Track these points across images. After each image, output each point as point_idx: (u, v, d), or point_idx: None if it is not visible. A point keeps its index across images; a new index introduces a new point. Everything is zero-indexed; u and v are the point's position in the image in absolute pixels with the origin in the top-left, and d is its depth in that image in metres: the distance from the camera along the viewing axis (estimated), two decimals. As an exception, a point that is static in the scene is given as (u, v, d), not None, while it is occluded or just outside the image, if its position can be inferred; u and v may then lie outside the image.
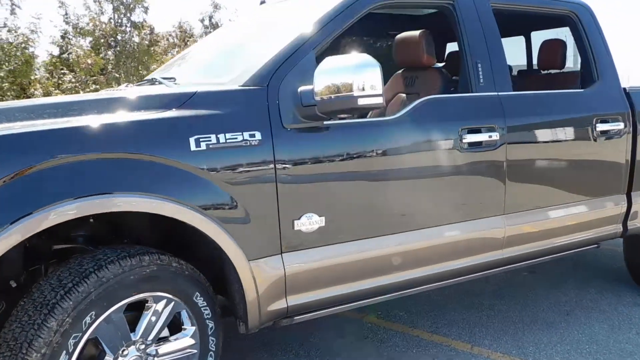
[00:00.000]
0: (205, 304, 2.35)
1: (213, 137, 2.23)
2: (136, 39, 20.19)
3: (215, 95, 2.39)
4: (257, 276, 2.37)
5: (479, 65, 3.02)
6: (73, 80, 17.25)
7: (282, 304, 2.48)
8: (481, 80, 3.01)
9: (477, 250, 3.03)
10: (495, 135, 2.94)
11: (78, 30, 18.58)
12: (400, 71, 3.57)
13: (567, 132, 3.30)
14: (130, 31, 19.59)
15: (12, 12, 16.45)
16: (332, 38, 2.65)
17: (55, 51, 20.19)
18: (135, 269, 2.09)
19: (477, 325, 3.64)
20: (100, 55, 18.34)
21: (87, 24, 18.71)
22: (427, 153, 2.78)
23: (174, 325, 2.30)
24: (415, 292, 2.95)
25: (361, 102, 2.30)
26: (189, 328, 2.32)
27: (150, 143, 2.13)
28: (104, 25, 18.40)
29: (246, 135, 2.30)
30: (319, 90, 2.34)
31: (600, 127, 3.40)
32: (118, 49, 19.37)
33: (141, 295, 2.15)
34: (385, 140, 2.66)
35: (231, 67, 2.74)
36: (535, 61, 4.38)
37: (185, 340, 2.31)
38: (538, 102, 3.26)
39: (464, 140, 2.85)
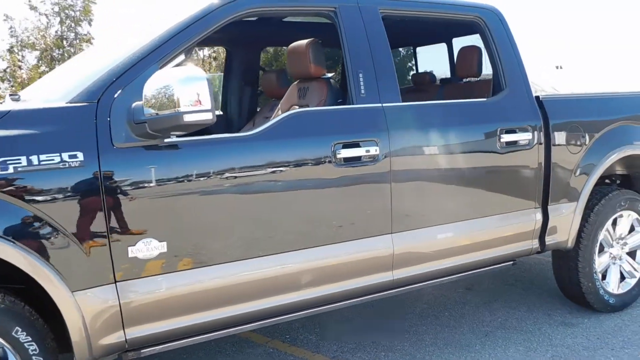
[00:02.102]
0: (30, 339, 2.17)
1: (23, 159, 2.06)
2: (80, 52, 20.06)
3: (33, 113, 2.22)
4: (84, 308, 2.19)
5: (361, 75, 2.83)
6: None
7: (120, 337, 2.30)
8: (362, 92, 2.82)
9: (362, 272, 2.84)
10: (375, 150, 2.75)
11: (23, 44, 18.56)
12: (295, 82, 3.39)
13: (466, 144, 3.10)
14: (75, 43, 19.42)
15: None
16: (182, 50, 2.47)
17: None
18: None
19: (385, 349, 3.43)
20: (45, 68, 18.19)
21: (28, 37, 18.67)
22: (293, 170, 2.58)
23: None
24: (291, 318, 2.76)
25: (188, 118, 2.12)
26: (16, 367, 2.14)
27: None
28: (47, 39, 18.36)
29: (65, 156, 2.12)
30: (149, 106, 2.16)
31: (506, 138, 3.19)
32: (62, 63, 19.23)
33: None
34: (243, 158, 2.48)
35: (70, 84, 2.56)
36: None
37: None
38: (431, 113, 3.07)
39: (338, 156, 2.66)
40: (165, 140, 2.30)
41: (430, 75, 4.50)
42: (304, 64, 3.09)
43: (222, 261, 2.46)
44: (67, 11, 19.20)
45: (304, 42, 3.08)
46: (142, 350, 2.40)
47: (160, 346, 2.45)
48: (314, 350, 3.45)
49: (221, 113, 4.40)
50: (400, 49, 5.19)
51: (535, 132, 3.30)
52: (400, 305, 4.11)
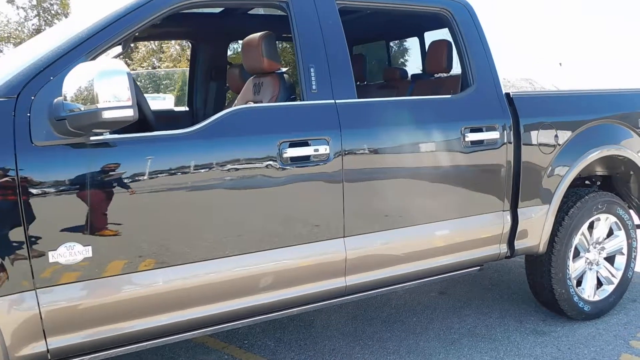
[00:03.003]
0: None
1: None
2: None
3: None
4: (0, 317, 2.05)
5: (312, 70, 2.68)
6: None
7: (41, 347, 2.15)
8: (313, 87, 2.67)
9: (311, 278, 2.69)
10: (325, 149, 2.59)
11: (0, 38, 18.50)
12: (252, 77, 3.23)
13: (427, 143, 2.94)
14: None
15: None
16: (113, 42, 2.32)
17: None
18: None
19: (347, 357, 3.28)
20: None
21: (4, 30, 18.60)
22: (233, 171, 2.43)
23: None
24: (231, 327, 2.62)
25: (107, 115, 1.97)
26: None
27: None
28: (24, 33, 18.25)
29: (-23, 153, 1.98)
30: (69, 102, 2.01)
31: (471, 136, 3.03)
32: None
33: None
34: (176, 158, 2.32)
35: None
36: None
37: None
38: (389, 110, 2.90)
39: (284, 155, 2.51)
40: (92, 138, 2.16)
41: (401, 70, 4.33)
42: (257, 58, 2.94)
43: (153, 267, 2.31)
44: (44, 4, 19.09)
45: (257, 35, 2.93)
46: (70, 360, 2.26)
47: (89, 356, 2.31)
48: (269, 357, 3.31)
49: (187, 109, 4.24)
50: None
51: (504, 131, 3.14)
52: (367, 309, 3.97)
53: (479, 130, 3.07)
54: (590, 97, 3.65)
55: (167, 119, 4.22)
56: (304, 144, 2.57)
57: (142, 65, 23.41)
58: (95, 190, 2.16)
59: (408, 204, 2.90)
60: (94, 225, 2.18)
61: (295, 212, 2.61)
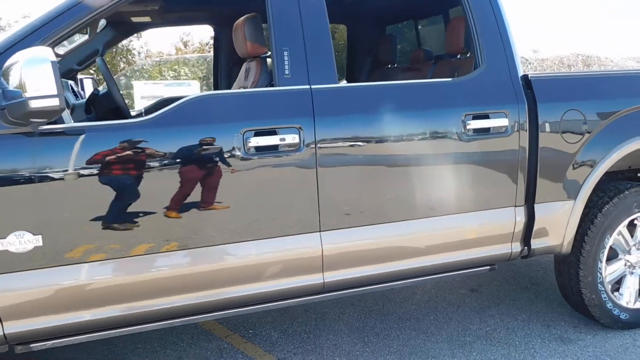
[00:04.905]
0: None
1: None
2: None
3: None
4: None
5: (286, 54, 2.53)
6: None
7: None
8: (286, 72, 2.52)
9: (284, 273, 2.57)
10: (293, 138, 2.45)
11: None
12: (245, 61, 3.13)
13: (418, 132, 2.68)
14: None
15: None
16: (71, 29, 2.31)
17: None
18: None
19: (342, 354, 3.14)
20: None
21: None
22: (192, 160, 2.35)
23: None
24: (196, 320, 2.57)
25: (34, 104, 1.97)
26: None
27: None
28: None
29: None
30: (9, 90, 2.03)
31: (473, 124, 2.74)
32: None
33: None
34: (131, 147, 2.28)
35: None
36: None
37: None
38: (374, 95, 2.68)
39: (248, 145, 2.40)
40: (43, 127, 2.17)
41: (425, 52, 4.03)
42: (241, 41, 2.83)
43: (106, 258, 2.30)
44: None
45: (242, 18, 2.82)
46: (31, 345, 2.32)
47: (52, 341, 2.36)
48: (267, 349, 3.24)
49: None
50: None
51: (516, 118, 2.82)
52: (388, 303, 3.79)
53: (484, 117, 2.78)
54: (631, 77, 3.19)
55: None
56: (272, 132, 2.44)
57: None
58: (44, 179, 2.17)
59: (393, 199, 2.69)
60: (44, 215, 2.20)
61: (263, 205, 2.49)
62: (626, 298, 3.27)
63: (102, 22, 3.77)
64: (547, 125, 2.88)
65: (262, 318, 3.62)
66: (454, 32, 3.27)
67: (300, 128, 2.46)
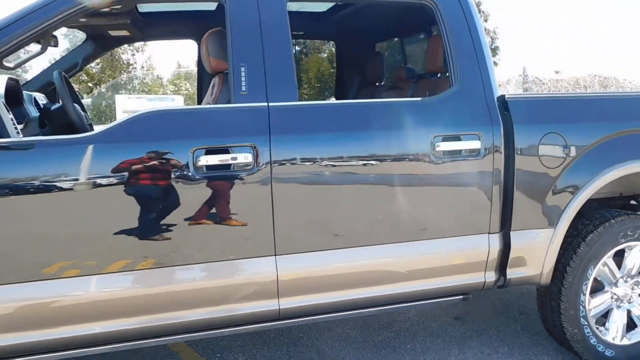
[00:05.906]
0: None
1: None
2: None
3: None
4: None
5: (243, 70, 2.43)
6: None
7: None
8: (243, 89, 2.42)
9: (236, 298, 2.45)
10: (245, 157, 2.34)
11: None
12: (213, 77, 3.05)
13: (384, 153, 2.55)
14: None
15: None
16: (20, 40, 2.25)
17: None
18: None
19: (307, 384, 3.00)
20: None
21: None
22: (137, 180, 2.25)
23: None
24: (145, 344, 2.45)
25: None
26: None
27: None
28: None
29: None
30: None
31: (443, 146, 2.61)
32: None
33: None
34: (75, 164, 2.19)
35: None
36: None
37: None
38: (336, 114, 2.57)
39: (199, 164, 2.30)
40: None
41: (407, 70, 3.91)
42: (204, 57, 2.76)
43: (47, 278, 2.21)
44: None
45: (207, 33, 2.74)
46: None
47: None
48: (231, 375, 3.11)
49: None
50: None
51: (490, 140, 2.68)
52: (366, 330, 3.63)
53: (455, 138, 2.64)
54: (617, 101, 3.03)
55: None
56: (224, 151, 2.34)
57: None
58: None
59: (356, 222, 2.55)
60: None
61: (214, 227, 2.38)
62: (612, 333, 3.08)
63: (82, 36, 3.73)
64: (524, 148, 2.74)
65: (232, 342, 3.50)
66: (432, 51, 3.15)
67: (254, 147, 2.36)
